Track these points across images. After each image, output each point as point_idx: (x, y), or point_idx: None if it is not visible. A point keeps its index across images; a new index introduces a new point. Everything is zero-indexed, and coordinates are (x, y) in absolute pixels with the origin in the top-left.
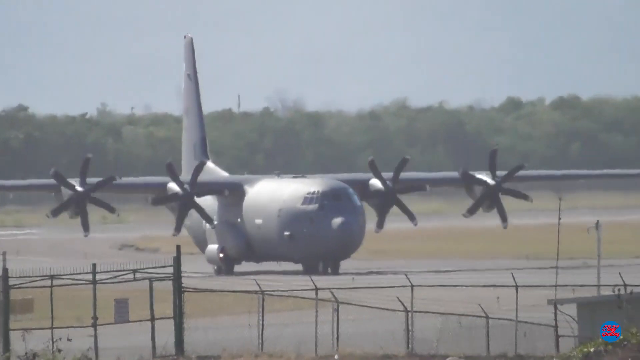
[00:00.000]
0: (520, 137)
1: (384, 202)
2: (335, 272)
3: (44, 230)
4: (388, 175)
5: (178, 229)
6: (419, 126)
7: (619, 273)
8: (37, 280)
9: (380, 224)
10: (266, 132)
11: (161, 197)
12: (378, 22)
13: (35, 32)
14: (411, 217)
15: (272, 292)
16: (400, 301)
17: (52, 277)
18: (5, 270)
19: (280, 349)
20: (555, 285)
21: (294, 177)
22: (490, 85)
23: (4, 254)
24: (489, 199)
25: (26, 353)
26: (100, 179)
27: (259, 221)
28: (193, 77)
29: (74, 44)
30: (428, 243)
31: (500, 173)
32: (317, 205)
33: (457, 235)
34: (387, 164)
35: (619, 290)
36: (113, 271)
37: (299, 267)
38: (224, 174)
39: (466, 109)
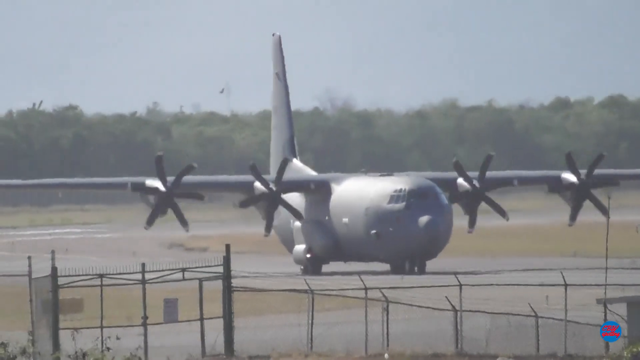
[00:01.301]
0: (568, 136)
1: (473, 200)
2: (422, 271)
3: (94, 229)
4: (474, 174)
5: (268, 229)
6: (467, 125)
7: None
8: (86, 280)
9: (471, 224)
10: (315, 131)
11: (248, 198)
12: (427, 21)
13: (84, 31)
14: (502, 212)
15: (322, 292)
16: (449, 300)
17: (101, 276)
18: (54, 269)
19: (329, 348)
20: (605, 284)
21: (381, 175)
22: (539, 84)
23: (52, 252)
24: (581, 198)
25: (76, 352)
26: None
27: (345, 220)
28: (282, 75)
29: (123, 44)
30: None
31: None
32: (404, 203)
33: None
34: (435, 163)
35: None
36: (162, 270)
37: (386, 267)
38: (312, 173)
39: (515, 107)
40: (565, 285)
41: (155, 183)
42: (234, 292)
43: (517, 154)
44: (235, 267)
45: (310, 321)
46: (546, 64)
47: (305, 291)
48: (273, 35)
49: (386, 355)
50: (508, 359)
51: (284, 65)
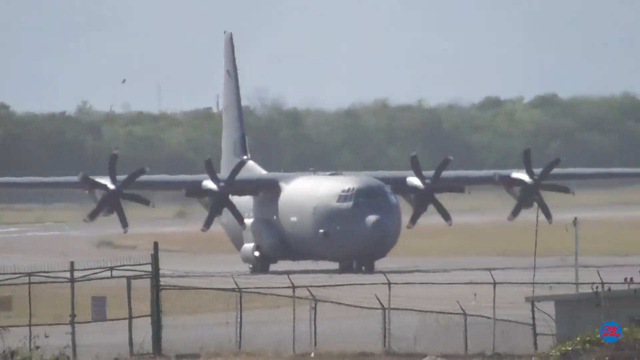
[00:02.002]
0: (499, 136)
1: (421, 200)
2: (370, 270)
3: (24, 228)
4: (428, 174)
5: (208, 225)
6: (398, 124)
7: (597, 271)
8: (14, 278)
9: (414, 220)
10: (245, 130)
11: (196, 190)
12: (358, 21)
13: (14, 30)
14: (446, 216)
15: (250, 290)
16: (378, 299)
17: (29, 274)
18: None
19: (258, 347)
20: (533, 283)
21: (330, 174)
22: (469, 84)
23: None
24: (528, 198)
25: (4, 351)
26: (124, 175)
27: (294, 219)
28: (233, 73)
29: (54, 42)
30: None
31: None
32: (351, 202)
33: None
34: (366, 162)
35: (596, 287)
36: (91, 269)
37: (336, 266)
38: (262, 172)
39: (445, 107)
40: (494, 283)
41: (104, 180)
42: (163, 291)
43: (447, 153)
44: (173, 266)
45: (238, 320)
46: (476, 63)
47: (233, 290)
48: (224, 32)
49: (312, 354)
50: (436, 358)
51: (235, 63)
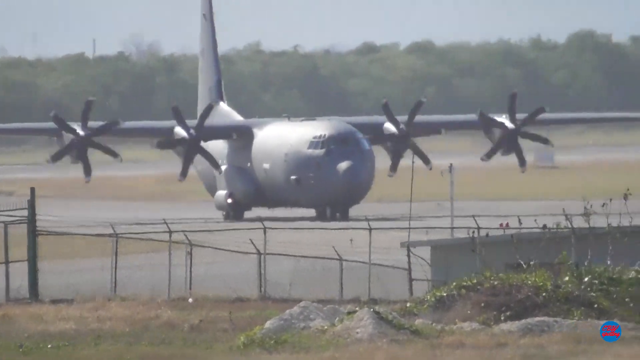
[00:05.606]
0: (374, 81)
1: (398, 145)
2: (345, 218)
3: None
4: (403, 118)
5: (184, 173)
6: (273, 70)
7: (473, 216)
8: None
9: (393, 168)
10: (121, 76)
11: (167, 140)
12: None
13: None
14: (425, 160)
15: (126, 235)
16: (253, 244)
17: None
18: None
19: (133, 292)
20: (409, 228)
21: (302, 119)
22: (345, 30)
23: None
24: (507, 143)
25: None
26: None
27: (266, 165)
28: (209, 17)
29: None
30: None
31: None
32: (323, 149)
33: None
34: (241, 109)
35: (472, 233)
36: None
37: (312, 212)
38: (237, 117)
39: (321, 53)
40: (370, 229)
41: (75, 125)
42: (40, 236)
43: (324, 99)
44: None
45: (114, 265)
46: (353, 9)
47: (109, 235)
48: None
49: (190, 299)
50: (312, 303)
51: (211, 7)
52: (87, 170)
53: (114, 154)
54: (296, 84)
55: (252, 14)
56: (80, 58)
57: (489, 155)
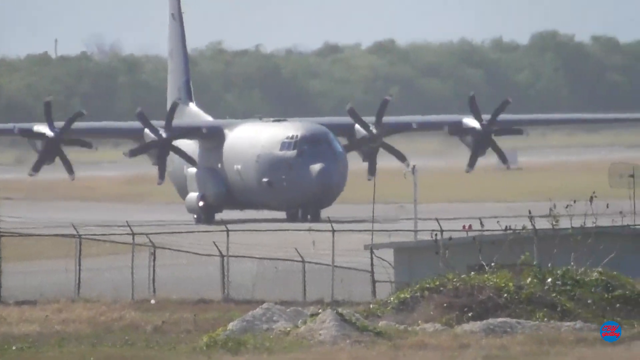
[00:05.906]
0: (336, 82)
1: (371, 147)
2: (316, 219)
3: None
4: (370, 119)
5: (162, 176)
6: (235, 70)
7: (436, 219)
8: None
9: (372, 171)
10: (83, 76)
11: (138, 147)
12: None
13: None
14: (401, 158)
15: (89, 237)
16: (217, 246)
17: None
18: None
19: (97, 294)
20: (372, 230)
21: (274, 120)
22: (307, 30)
23: None
24: (483, 145)
25: None
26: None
27: (238, 167)
28: (178, 17)
29: None
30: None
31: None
32: (295, 151)
33: None
34: (205, 108)
35: (435, 235)
36: None
37: (283, 214)
38: (207, 118)
39: (283, 53)
40: (333, 231)
41: (42, 129)
42: (3, 238)
43: (285, 100)
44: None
45: (77, 267)
46: (315, 9)
47: (73, 236)
48: None
49: (152, 301)
50: (274, 305)
51: (179, 6)
52: (70, 169)
53: (89, 145)
54: (258, 84)
55: (214, 14)
56: (43, 58)
57: (470, 165)
